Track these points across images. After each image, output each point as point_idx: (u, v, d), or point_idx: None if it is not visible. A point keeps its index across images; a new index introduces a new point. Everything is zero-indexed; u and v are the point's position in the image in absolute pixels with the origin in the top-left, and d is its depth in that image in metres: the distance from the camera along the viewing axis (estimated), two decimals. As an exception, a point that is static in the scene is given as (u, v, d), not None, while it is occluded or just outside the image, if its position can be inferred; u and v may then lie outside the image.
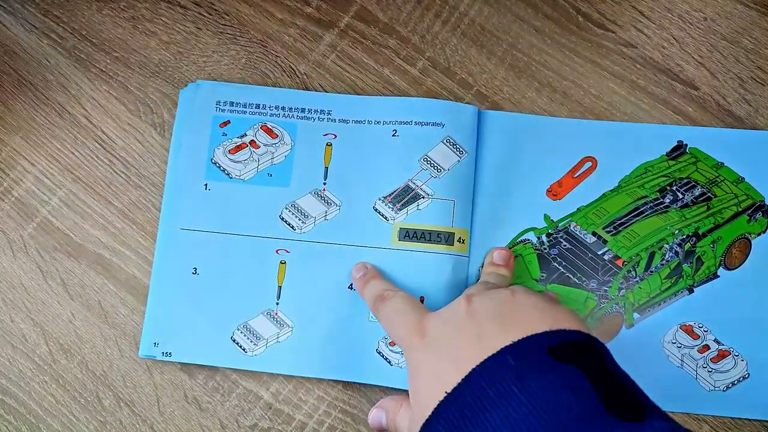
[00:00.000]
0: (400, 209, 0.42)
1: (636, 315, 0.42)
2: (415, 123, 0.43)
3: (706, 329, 0.41)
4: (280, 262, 0.41)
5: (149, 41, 0.45)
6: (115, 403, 0.41)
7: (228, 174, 0.43)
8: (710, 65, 0.44)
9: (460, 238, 0.41)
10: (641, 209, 0.43)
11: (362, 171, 0.42)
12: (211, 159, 0.43)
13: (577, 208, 0.43)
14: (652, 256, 0.42)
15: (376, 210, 0.42)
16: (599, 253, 0.43)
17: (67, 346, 0.41)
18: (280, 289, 0.41)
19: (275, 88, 0.44)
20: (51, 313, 0.42)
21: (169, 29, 0.45)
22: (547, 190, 0.43)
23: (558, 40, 0.45)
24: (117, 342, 0.41)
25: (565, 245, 0.43)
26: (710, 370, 0.41)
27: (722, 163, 0.43)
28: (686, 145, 0.44)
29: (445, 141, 0.42)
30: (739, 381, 0.41)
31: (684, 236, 0.43)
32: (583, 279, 0.42)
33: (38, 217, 0.43)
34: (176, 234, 0.42)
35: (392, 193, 0.42)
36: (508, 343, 0.29)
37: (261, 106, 0.43)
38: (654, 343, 0.41)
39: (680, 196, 0.43)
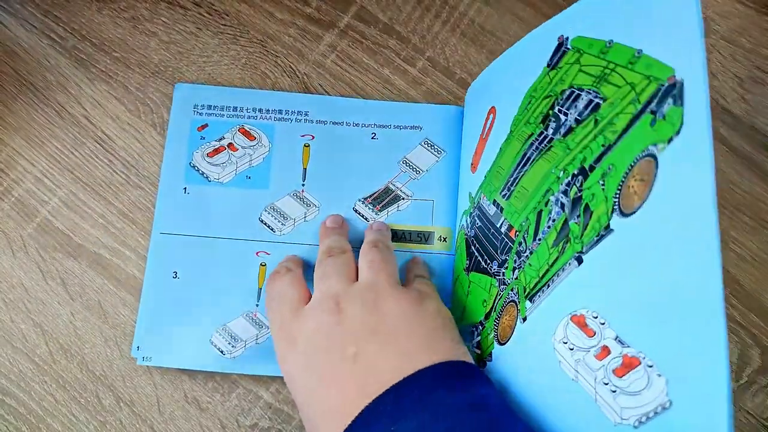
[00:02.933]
0: (380, 210, 0.42)
1: (528, 303, 0.29)
2: (394, 127, 0.43)
3: (602, 320, 0.25)
4: (260, 265, 0.41)
5: (149, 41, 0.45)
6: (115, 403, 0.41)
7: (207, 177, 0.43)
8: (709, 64, 0.44)
9: (440, 236, 0.41)
10: (528, 154, 0.30)
11: (341, 172, 0.43)
12: (190, 162, 0.43)
13: (485, 175, 0.35)
14: (539, 217, 0.29)
15: (356, 211, 0.42)
16: (498, 225, 0.32)
17: (67, 346, 0.41)
18: (260, 291, 0.41)
19: (253, 90, 0.44)
20: (51, 313, 0.42)
21: (169, 29, 0.45)
22: (471, 165, 0.38)
23: (557, 39, 0.45)
24: (117, 342, 0.41)
25: (477, 224, 0.35)
26: (614, 388, 0.24)
27: (611, 42, 0.26)
28: (567, 38, 0.29)
29: (423, 143, 0.43)
30: (656, 412, 0.22)
31: (569, 178, 0.27)
32: (488, 261, 0.33)
33: (38, 217, 0.43)
34: (156, 238, 0.42)
35: (372, 195, 0.42)
36: (395, 377, 0.27)
37: (238, 108, 0.43)
38: (544, 344, 0.27)
39: (563, 118, 0.28)
